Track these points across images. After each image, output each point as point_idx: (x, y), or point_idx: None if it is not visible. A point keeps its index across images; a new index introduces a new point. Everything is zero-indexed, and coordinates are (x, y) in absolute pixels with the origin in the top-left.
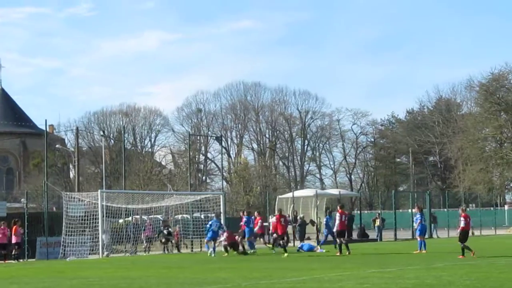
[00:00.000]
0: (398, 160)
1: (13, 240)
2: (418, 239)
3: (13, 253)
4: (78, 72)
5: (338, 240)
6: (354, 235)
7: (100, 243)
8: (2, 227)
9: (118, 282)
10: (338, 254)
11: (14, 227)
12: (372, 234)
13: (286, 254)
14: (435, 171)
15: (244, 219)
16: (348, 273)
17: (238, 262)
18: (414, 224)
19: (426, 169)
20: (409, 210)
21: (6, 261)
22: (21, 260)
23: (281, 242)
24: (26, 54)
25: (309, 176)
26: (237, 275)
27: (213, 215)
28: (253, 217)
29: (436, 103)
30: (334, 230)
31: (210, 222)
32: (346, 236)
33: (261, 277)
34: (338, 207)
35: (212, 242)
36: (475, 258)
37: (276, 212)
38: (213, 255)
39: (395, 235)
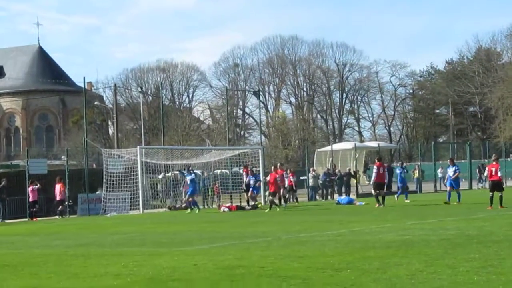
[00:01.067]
0: (438, 111)
1: (58, 198)
2: (449, 190)
3: (59, 209)
4: (116, 29)
5: (375, 192)
6: (394, 188)
7: (140, 199)
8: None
9: (159, 237)
10: (377, 206)
11: (60, 184)
12: (412, 186)
13: (278, 209)
14: (475, 122)
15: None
16: (388, 225)
17: (278, 216)
18: (451, 176)
19: (466, 119)
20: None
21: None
22: (64, 216)
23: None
24: (64, 12)
25: (347, 129)
26: (276, 229)
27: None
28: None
29: (476, 52)
30: (371, 182)
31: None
32: (384, 189)
33: (301, 230)
34: (376, 159)
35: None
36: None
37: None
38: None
39: (435, 186)
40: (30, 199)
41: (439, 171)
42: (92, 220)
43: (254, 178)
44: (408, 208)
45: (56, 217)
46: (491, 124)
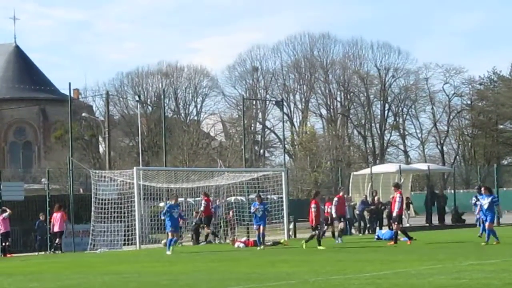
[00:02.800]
0: (502, 126)
1: (56, 229)
2: (487, 226)
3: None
4: (107, 25)
5: (394, 227)
6: (447, 220)
7: (137, 231)
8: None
9: (159, 278)
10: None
11: (61, 213)
12: (470, 219)
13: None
14: None
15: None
16: (439, 265)
17: (306, 254)
18: (485, 209)
19: None
20: None
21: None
22: (57, 252)
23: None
24: (45, 4)
25: (390, 147)
26: (304, 269)
27: (273, 196)
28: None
29: None
30: (394, 214)
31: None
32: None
33: (334, 272)
34: (393, 187)
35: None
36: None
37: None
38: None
39: (498, 218)
40: (2, 231)
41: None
42: (78, 257)
43: (262, 206)
44: (465, 245)
45: (47, 252)
46: None
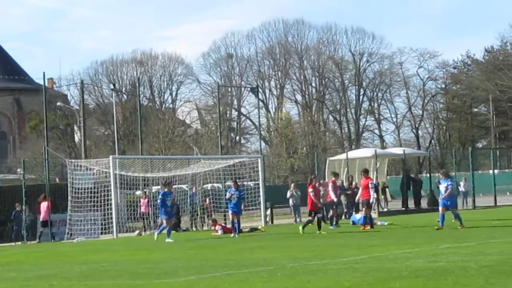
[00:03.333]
0: (476, 110)
1: (42, 218)
2: (441, 211)
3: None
4: (82, 13)
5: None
6: (423, 203)
7: (114, 220)
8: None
9: (137, 266)
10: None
11: (47, 202)
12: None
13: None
14: None
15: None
16: (416, 249)
17: (284, 240)
18: (442, 193)
19: (510, 120)
20: (490, 171)
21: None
22: (20, 243)
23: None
24: None
25: (366, 132)
26: (280, 255)
27: (249, 182)
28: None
29: None
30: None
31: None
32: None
33: (311, 257)
34: (362, 173)
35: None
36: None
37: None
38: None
39: (474, 202)
40: None
41: (461, 183)
42: (56, 247)
43: (237, 192)
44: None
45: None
46: None
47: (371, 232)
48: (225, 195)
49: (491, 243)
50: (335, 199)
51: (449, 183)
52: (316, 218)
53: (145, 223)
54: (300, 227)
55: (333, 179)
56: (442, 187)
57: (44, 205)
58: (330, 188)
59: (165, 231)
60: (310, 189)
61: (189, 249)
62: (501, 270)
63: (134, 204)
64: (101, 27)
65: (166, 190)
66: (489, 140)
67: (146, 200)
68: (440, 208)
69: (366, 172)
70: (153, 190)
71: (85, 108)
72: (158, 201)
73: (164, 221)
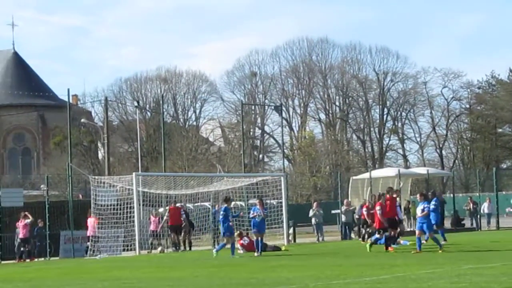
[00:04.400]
0: (500, 130)
1: (89, 233)
2: (417, 234)
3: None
4: (106, 31)
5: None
6: (447, 224)
7: (137, 237)
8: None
9: (159, 283)
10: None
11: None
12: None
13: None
14: None
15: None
16: (439, 270)
17: (306, 259)
18: (418, 213)
19: None
20: None
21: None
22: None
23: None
24: (44, 11)
25: (389, 152)
26: (304, 274)
27: (272, 201)
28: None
29: None
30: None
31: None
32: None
33: (333, 276)
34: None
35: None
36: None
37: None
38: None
39: (498, 222)
40: (21, 236)
41: (484, 205)
42: (78, 263)
43: (258, 211)
44: (464, 249)
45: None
46: None
47: (394, 252)
48: (249, 213)
49: None
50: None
51: (426, 205)
52: (384, 236)
53: (155, 241)
54: (367, 245)
55: (388, 196)
56: (418, 210)
57: (91, 221)
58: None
59: (228, 246)
60: (377, 207)
61: (211, 267)
62: None
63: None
64: (125, 45)
65: (227, 205)
66: None
67: (157, 218)
68: (416, 231)
69: (390, 190)
70: (160, 210)
71: (109, 125)
72: (221, 217)
73: (225, 238)
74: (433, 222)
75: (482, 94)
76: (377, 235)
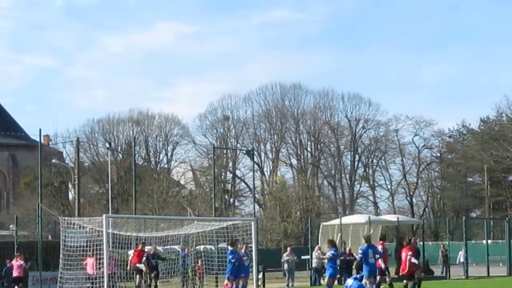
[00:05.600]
0: (470, 179)
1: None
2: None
3: None
4: (78, 72)
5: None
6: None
7: (105, 279)
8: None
9: None
10: None
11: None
12: (439, 271)
13: None
14: None
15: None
16: None
17: None
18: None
19: (504, 190)
20: (484, 241)
21: None
22: None
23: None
24: (15, 50)
25: (360, 198)
26: None
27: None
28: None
29: None
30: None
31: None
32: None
33: None
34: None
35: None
36: None
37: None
38: None
39: (467, 271)
40: (15, 275)
41: (460, 253)
42: None
43: (247, 255)
44: None
45: None
46: None
47: None
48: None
49: None
50: (383, 266)
51: (333, 252)
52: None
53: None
54: None
55: (381, 242)
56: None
57: (89, 261)
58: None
59: None
60: (410, 253)
61: None
62: None
63: (125, 263)
64: (97, 86)
65: (232, 248)
66: (483, 210)
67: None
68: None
69: (409, 242)
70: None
71: (80, 166)
72: (228, 260)
73: (229, 282)
74: (327, 274)
75: (453, 143)
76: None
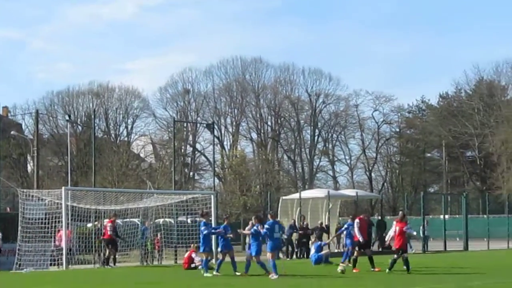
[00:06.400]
0: (429, 155)
1: None
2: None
3: None
4: (38, 44)
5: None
6: (374, 246)
7: (64, 252)
8: None
9: None
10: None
11: None
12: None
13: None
14: (473, 169)
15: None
16: None
17: (232, 278)
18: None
19: (462, 166)
20: (441, 216)
21: None
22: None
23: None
24: None
25: (319, 173)
26: None
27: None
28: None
29: (476, 86)
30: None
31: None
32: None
33: None
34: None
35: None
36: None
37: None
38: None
39: (424, 246)
40: None
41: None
42: (4, 277)
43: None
44: (390, 272)
45: None
46: (492, 172)
47: (324, 271)
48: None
49: None
50: (361, 239)
51: (255, 228)
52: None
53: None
54: (387, 270)
55: (362, 216)
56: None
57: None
58: (356, 226)
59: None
60: (405, 227)
61: (138, 284)
62: None
63: (84, 236)
64: (57, 59)
65: (205, 220)
66: (441, 185)
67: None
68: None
69: (403, 216)
70: (89, 225)
71: (39, 138)
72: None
73: (204, 254)
74: (252, 252)
75: (412, 119)
76: (395, 256)
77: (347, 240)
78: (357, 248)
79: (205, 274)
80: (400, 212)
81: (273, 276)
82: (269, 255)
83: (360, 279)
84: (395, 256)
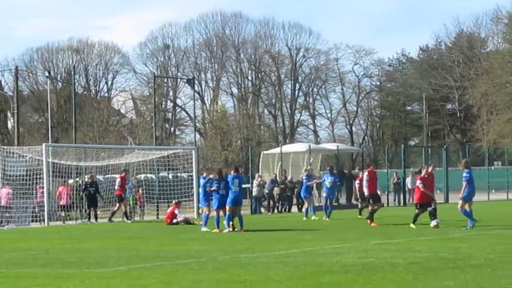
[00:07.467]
0: (409, 108)
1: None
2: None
3: None
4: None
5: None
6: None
7: (46, 208)
8: None
9: (68, 255)
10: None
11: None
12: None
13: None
14: (454, 122)
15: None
16: (347, 245)
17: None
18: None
19: (442, 119)
20: None
21: None
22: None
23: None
24: None
25: (300, 127)
26: (213, 248)
27: (183, 174)
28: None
29: (456, 38)
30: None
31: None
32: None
33: (242, 250)
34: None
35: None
36: None
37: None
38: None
39: (405, 199)
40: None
41: (407, 180)
42: None
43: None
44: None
45: None
46: (472, 125)
47: (304, 226)
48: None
49: (420, 240)
50: (366, 193)
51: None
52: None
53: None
54: (411, 224)
55: (370, 168)
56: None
57: (4, 191)
58: (365, 179)
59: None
60: (418, 181)
61: (121, 239)
62: (429, 267)
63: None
64: (37, 15)
65: (205, 175)
66: (421, 138)
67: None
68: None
69: (419, 171)
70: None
71: (19, 95)
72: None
73: (205, 209)
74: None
75: (392, 72)
76: (416, 210)
77: (324, 193)
78: (371, 201)
79: (202, 229)
80: (420, 167)
81: (220, 231)
82: (228, 208)
83: (340, 231)
84: (417, 210)
